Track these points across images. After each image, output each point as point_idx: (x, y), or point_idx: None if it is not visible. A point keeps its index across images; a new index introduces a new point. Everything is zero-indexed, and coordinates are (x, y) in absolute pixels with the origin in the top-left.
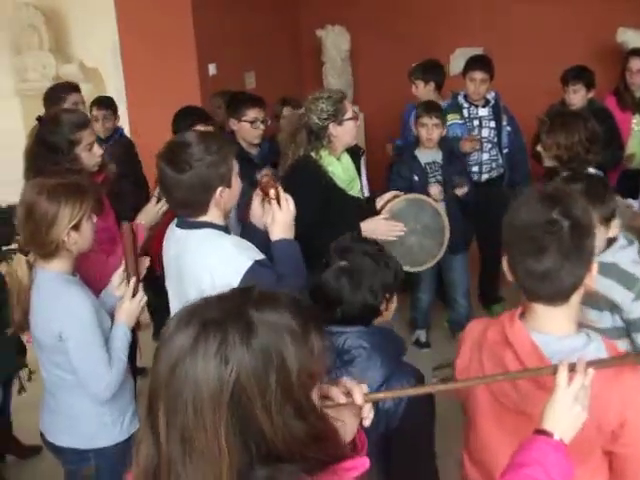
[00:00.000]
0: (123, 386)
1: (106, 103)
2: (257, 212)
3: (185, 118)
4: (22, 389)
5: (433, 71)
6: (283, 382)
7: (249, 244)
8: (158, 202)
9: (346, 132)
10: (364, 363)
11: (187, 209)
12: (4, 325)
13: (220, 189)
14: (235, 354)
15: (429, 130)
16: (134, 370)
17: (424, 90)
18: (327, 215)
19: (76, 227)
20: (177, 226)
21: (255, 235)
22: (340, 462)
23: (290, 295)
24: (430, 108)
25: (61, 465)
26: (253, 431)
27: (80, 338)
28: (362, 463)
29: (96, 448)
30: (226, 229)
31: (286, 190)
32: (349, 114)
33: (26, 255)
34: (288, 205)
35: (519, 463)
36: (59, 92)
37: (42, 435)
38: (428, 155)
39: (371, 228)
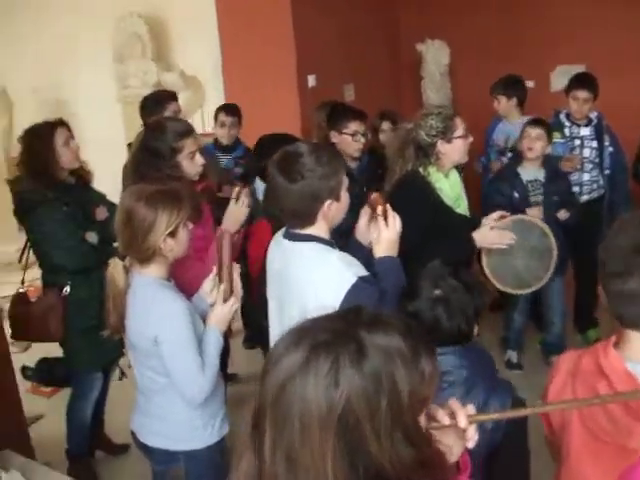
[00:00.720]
0: (215, 390)
1: (234, 110)
2: (363, 229)
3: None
4: (123, 375)
5: (515, 87)
6: (393, 406)
7: (354, 260)
8: (236, 203)
9: (455, 150)
10: (467, 383)
11: (295, 219)
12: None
13: (329, 202)
14: (346, 377)
15: (530, 140)
16: (225, 376)
17: (506, 105)
18: (434, 232)
19: (172, 234)
20: (284, 237)
21: (359, 251)
22: None
23: (399, 317)
24: (536, 121)
25: (149, 465)
26: (361, 454)
27: (175, 342)
28: None
29: (186, 450)
30: (332, 244)
31: (393, 205)
32: (459, 132)
33: (122, 260)
34: (395, 223)
35: None
36: (158, 100)
37: (133, 434)
38: (531, 172)
39: (480, 239)
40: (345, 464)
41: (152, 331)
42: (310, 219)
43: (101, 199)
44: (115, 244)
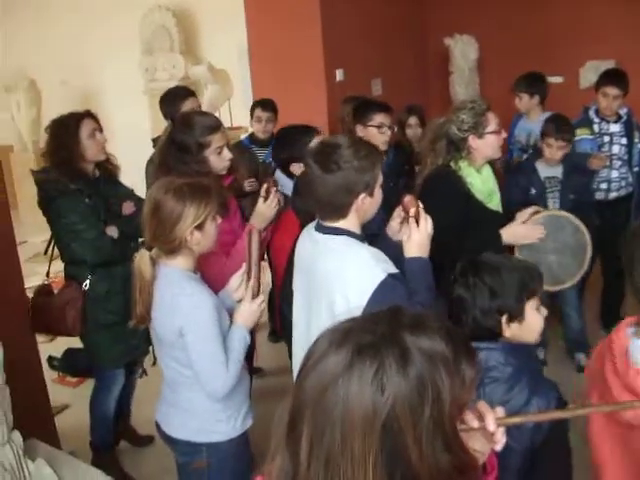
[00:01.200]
0: (239, 384)
1: (271, 106)
2: (395, 229)
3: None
4: (144, 372)
5: (537, 84)
6: (436, 415)
7: (385, 256)
8: (265, 201)
9: (487, 145)
10: (511, 380)
11: (328, 210)
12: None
13: (363, 195)
14: (392, 382)
15: (553, 151)
16: (250, 370)
17: (529, 103)
18: (463, 227)
19: (199, 227)
20: (316, 230)
21: (389, 247)
22: None
23: (438, 318)
24: (560, 129)
25: (173, 456)
26: (400, 461)
27: (200, 334)
28: None
29: (210, 442)
30: (363, 239)
31: (423, 199)
32: (491, 127)
33: (150, 250)
34: (426, 225)
35: None
36: (173, 98)
37: (157, 425)
38: (549, 169)
39: (510, 233)
40: (385, 472)
41: (178, 322)
42: (343, 211)
43: (129, 194)
44: (140, 239)
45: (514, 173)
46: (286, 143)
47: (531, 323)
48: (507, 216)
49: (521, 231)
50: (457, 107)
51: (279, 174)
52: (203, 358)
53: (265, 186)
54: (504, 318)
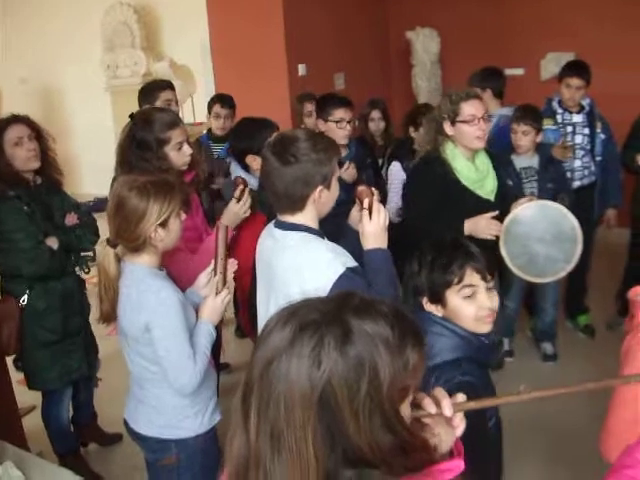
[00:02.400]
0: (206, 379)
1: (230, 102)
2: (355, 218)
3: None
4: (96, 381)
5: (491, 78)
6: (373, 393)
7: (344, 250)
8: (238, 202)
9: (459, 133)
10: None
11: (284, 203)
12: (75, 331)
13: (320, 188)
14: (328, 358)
15: (518, 137)
16: (217, 365)
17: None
18: (442, 209)
19: (163, 224)
20: (275, 226)
21: (351, 235)
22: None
23: (392, 305)
24: (522, 115)
25: (143, 453)
26: (340, 435)
27: (166, 329)
28: (457, 465)
29: (178, 438)
30: (322, 234)
31: (408, 182)
32: (462, 117)
33: (114, 248)
34: (379, 217)
35: (621, 465)
36: (154, 89)
37: (126, 423)
38: (524, 160)
39: (470, 226)
40: (326, 445)
41: (143, 318)
42: (300, 204)
43: (73, 205)
44: (83, 253)
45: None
46: (245, 135)
47: (457, 309)
48: (502, 204)
49: (482, 224)
50: (445, 94)
51: (235, 166)
52: (170, 353)
53: (240, 188)
54: (424, 299)
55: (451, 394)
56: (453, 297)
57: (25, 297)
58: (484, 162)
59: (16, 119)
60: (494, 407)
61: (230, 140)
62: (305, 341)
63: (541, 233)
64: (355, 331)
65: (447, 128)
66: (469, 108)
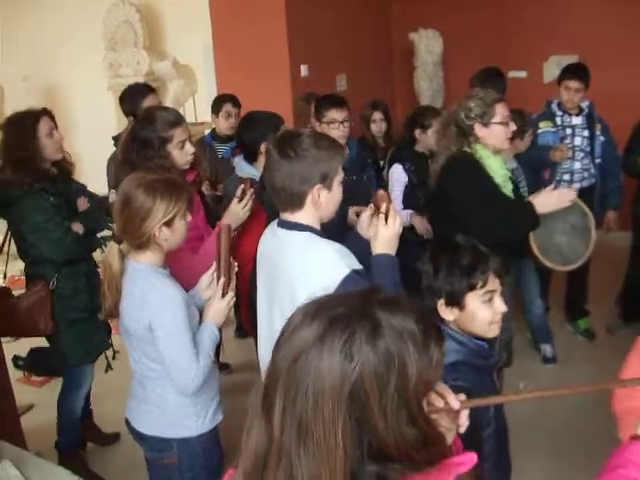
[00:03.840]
0: (209, 379)
1: (238, 101)
2: (365, 223)
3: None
4: (109, 367)
5: (492, 79)
6: (401, 387)
7: (349, 252)
8: (239, 202)
9: (492, 134)
10: None
11: (282, 198)
12: (97, 309)
13: (318, 186)
14: (360, 352)
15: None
16: (217, 366)
17: None
18: (490, 204)
19: (168, 224)
20: (278, 225)
21: (358, 243)
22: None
23: (413, 302)
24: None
25: (141, 453)
26: (367, 429)
27: (169, 328)
28: (471, 458)
29: (180, 438)
30: (325, 236)
31: (445, 181)
32: (497, 118)
33: (119, 244)
34: (394, 223)
35: (614, 465)
36: (133, 94)
37: (127, 422)
38: (509, 162)
39: (542, 201)
40: (353, 436)
41: (147, 316)
42: (298, 202)
43: (82, 190)
44: (99, 234)
45: None
46: (250, 125)
47: (474, 313)
48: None
49: (554, 195)
50: (468, 95)
51: (239, 160)
52: (173, 352)
53: (242, 187)
54: (440, 301)
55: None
56: (473, 301)
57: (54, 280)
58: (504, 164)
59: (46, 111)
60: (491, 414)
61: (237, 132)
62: (337, 335)
63: (562, 224)
64: (384, 325)
65: (478, 129)
66: (503, 110)
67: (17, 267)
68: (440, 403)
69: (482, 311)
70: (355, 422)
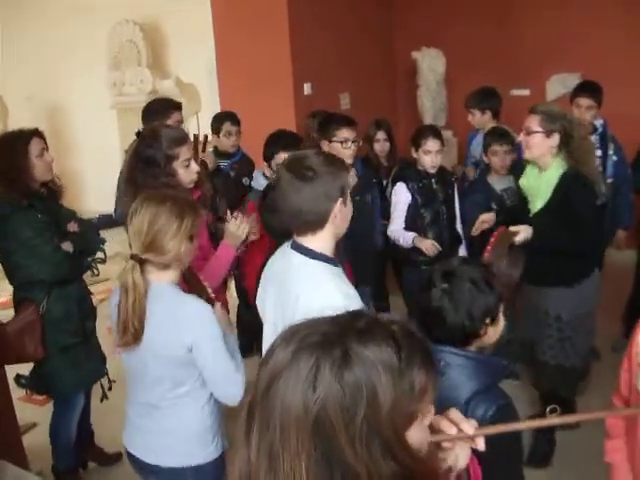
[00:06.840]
0: (217, 404)
1: (237, 118)
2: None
3: (277, 142)
4: (104, 397)
5: (488, 99)
6: (371, 419)
7: (356, 293)
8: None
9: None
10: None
11: (305, 220)
12: (90, 334)
13: (340, 200)
14: (324, 382)
15: (502, 157)
16: None
17: (481, 119)
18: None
19: (191, 238)
20: (292, 248)
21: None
22: None
23: (402, 324)
24: (500, 136)
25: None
26: (338, 461)
27: (213, 342)
28: None
29: (194, 465)
30: (335, 262)
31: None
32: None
33: (141, 264)
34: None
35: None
36: (162, 109)
37: (130, 455)
38: (502, 181)
39: None
40: (320, 469)
41: (185, 336)
42: (322, 221)
43: (71, 216)
44: (89, 258)
45: (469, 194)
46: (274, 141)
47: (491, 335)
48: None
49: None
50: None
51: (257, 174)
52: (219, 365)
53: (234, 214)
54: (488, 320)
55: (494, 422)
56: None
57: (44, 303)
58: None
59: (37, 132)
60: None
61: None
62: (302, 363)
63: None
64: (354, 356)
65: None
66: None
67: (6, 289)
68: (453, 429)
69: (494, 332)
70: (321, 455)
